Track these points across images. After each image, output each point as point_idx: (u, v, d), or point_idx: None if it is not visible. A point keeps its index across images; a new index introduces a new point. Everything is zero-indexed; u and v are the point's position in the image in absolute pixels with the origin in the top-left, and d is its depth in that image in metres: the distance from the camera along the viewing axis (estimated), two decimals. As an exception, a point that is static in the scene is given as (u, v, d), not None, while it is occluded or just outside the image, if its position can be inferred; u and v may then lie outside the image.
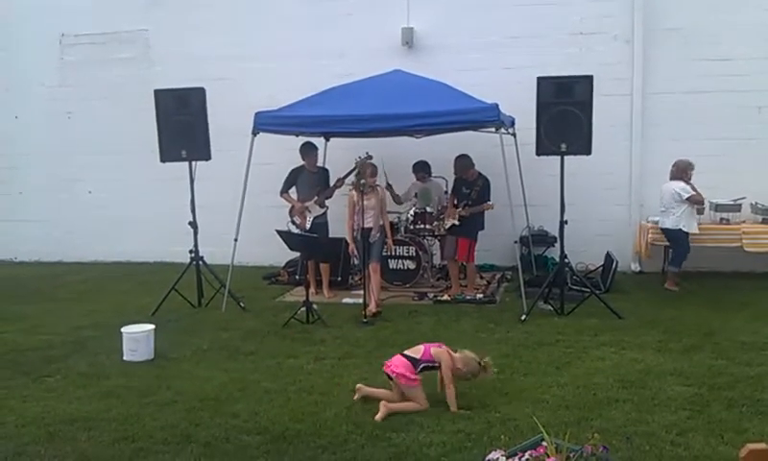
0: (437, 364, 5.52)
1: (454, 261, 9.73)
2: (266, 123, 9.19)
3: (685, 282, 9.63)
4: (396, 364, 5.50)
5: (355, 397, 5.64)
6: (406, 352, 5.60)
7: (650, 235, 10.11)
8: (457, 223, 9.43)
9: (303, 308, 8.25)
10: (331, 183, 9.92)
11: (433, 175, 10.32)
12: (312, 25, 11.68)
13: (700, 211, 9.59)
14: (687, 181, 9.37)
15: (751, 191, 10.00)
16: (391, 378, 5.50)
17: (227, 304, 8.97)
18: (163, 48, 12.39)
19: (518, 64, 10.64)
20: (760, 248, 9.77)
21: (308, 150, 9.92)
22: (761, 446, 2.59)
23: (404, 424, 5.14)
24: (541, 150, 8.26)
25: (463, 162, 9.55)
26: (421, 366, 5.50)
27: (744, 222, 9.95)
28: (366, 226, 8.59)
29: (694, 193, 9.28)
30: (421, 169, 10.27)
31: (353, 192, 8.62)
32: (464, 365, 5.50)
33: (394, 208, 10.17)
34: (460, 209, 9.40)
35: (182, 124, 8.92)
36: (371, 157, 8.86)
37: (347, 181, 9.45)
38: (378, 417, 5.22)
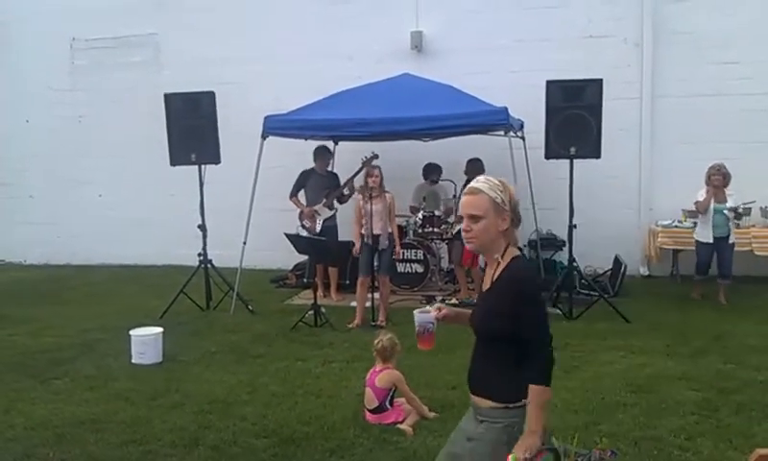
0: (393, 388, 5.42)
1: (461, 266, 9.73)
2: (275, 127, 9.20)
3: (692, 287, 9.54)
4: (384, 418, 5.36)
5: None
6: (368, 409, 5.43)
7: (659, 239, 10.07)
8: None
9: (311, 311, 8.27)
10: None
11: (442, 178, 10.33)
12: (321, 29, 11.68)
13: (738, 217, 9.01)
14: (716, 187, 8.78)
15: (761, 195, 9.92)
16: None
17: (235, 308, 8.99)
18: (172, 52, 12.42)
19: (527, 68, 10.59)
20: (771, 252, 9.67)
21: (322, 153, 9.95)
22: (770, 451, 2.58)
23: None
24: (550, 153, 8.26)
25: (475, 166, 9.55)
26: (388, 401, 5.39)
27: (754, 226, 9.87)
28: (375, 232, 8.33)
29: (698, 200, 8.93)
30: (432, 172, 10.28)
31: (360, 197, 8.53)
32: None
33: (402, 212, 10.12)
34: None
35: (192, 128, 8.98)
36: (376, 157, 8.83)
37: (355, 183, 9.45)
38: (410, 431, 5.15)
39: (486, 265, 2.99)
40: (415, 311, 3.07)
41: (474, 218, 2.83)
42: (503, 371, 2.85)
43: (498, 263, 2.87)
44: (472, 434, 2.90)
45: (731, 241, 8.96)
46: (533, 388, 2.74)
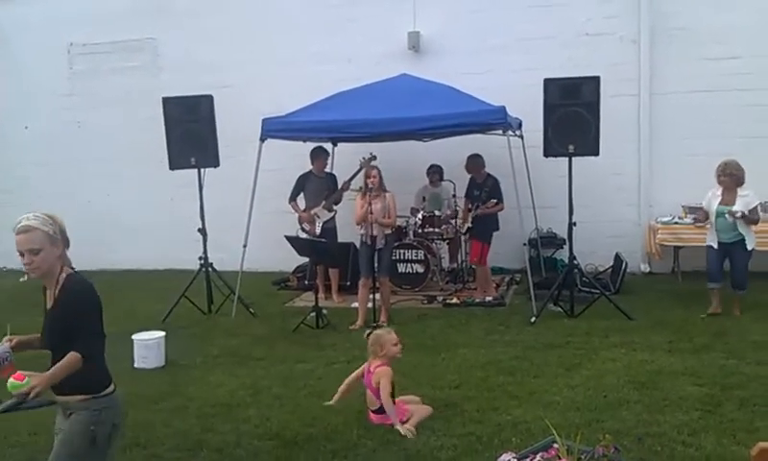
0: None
1: (475, 263, 9.75)
2: (274, 129, 9.21)
3: (694, 283, 9.50)
4: (386, 419, 5.31)
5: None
6: (371, 409, 5.42)
7: (659, 236, 10.06)
8: (470, 225, 9.46)
9: (313, 313, 8.27)
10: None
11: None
12: (319, 30, 11.68)
13: (749, 222, 7.99)
14: (727, 188, 8.05)
15: (760, 190, 9.90)
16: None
17: (236, 311, 9.00)
18: (170, 56, 12.43)
19: (525, 66, 10.59)
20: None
21: (318, 153, 9.92)
22: (773, 444, 2.58)
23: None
24: (549, 152, 8.27)
25: (475, 161, 9.58)
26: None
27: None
28: (372, 233, 8.29)
29: (701, 204, 8.39)
30: (436, 172, 10.31)
31: (358, 197, 8.52)
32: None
33: (403, 213, 10.09)
34: (472, 212, 9.43)
35: (191, 131, 9.00)
36: (374, 158, 8.82)
37: (353, 184, 9.46)
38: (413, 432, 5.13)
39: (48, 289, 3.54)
40: None
41: (34, 251, 3.31)
42: (83, 370, 3.36)
43: (57, 283, 3.41)
44: (64, 427, 3.43)
45: (746, 248, 8.08)
46: (72, 356, 3.32)
